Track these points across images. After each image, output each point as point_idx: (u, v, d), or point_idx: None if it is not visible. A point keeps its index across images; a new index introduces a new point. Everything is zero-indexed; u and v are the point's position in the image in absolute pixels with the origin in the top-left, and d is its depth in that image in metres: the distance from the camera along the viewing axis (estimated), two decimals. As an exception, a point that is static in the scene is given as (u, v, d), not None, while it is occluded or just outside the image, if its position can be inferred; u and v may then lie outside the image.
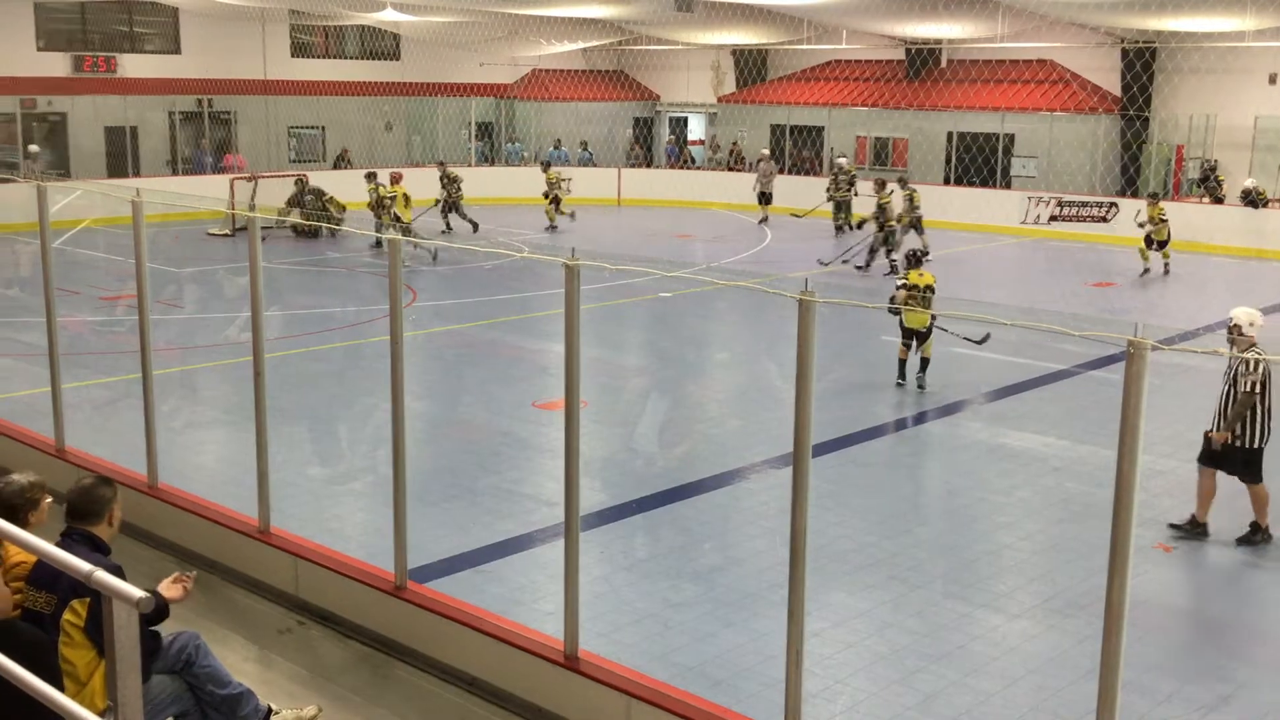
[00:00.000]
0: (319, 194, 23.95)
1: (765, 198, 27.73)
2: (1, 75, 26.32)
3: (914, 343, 12.68)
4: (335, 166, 30.08)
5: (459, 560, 7.97)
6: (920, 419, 12.06)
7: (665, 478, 9.95)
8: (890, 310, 12.68)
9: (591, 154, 33.17)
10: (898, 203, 20.85)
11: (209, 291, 18.63)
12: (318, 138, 31.71)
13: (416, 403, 10.97)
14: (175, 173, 28.30)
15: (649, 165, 34.34)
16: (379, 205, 22.02)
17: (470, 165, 31.31)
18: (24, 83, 26.85)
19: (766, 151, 29.52)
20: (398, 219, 21.02)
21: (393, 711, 5.81)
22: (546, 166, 27.08)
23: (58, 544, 4.36)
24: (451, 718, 5.79)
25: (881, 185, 20.80)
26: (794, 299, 4.54)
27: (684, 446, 11.08)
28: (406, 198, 21.58)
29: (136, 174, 26.92)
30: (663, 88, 36.14)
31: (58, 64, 27.50)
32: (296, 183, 24.50)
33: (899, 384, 12.73)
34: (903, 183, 21.86)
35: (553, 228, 25.35)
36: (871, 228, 20.72)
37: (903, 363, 12.76)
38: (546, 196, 25.75)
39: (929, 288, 12.74)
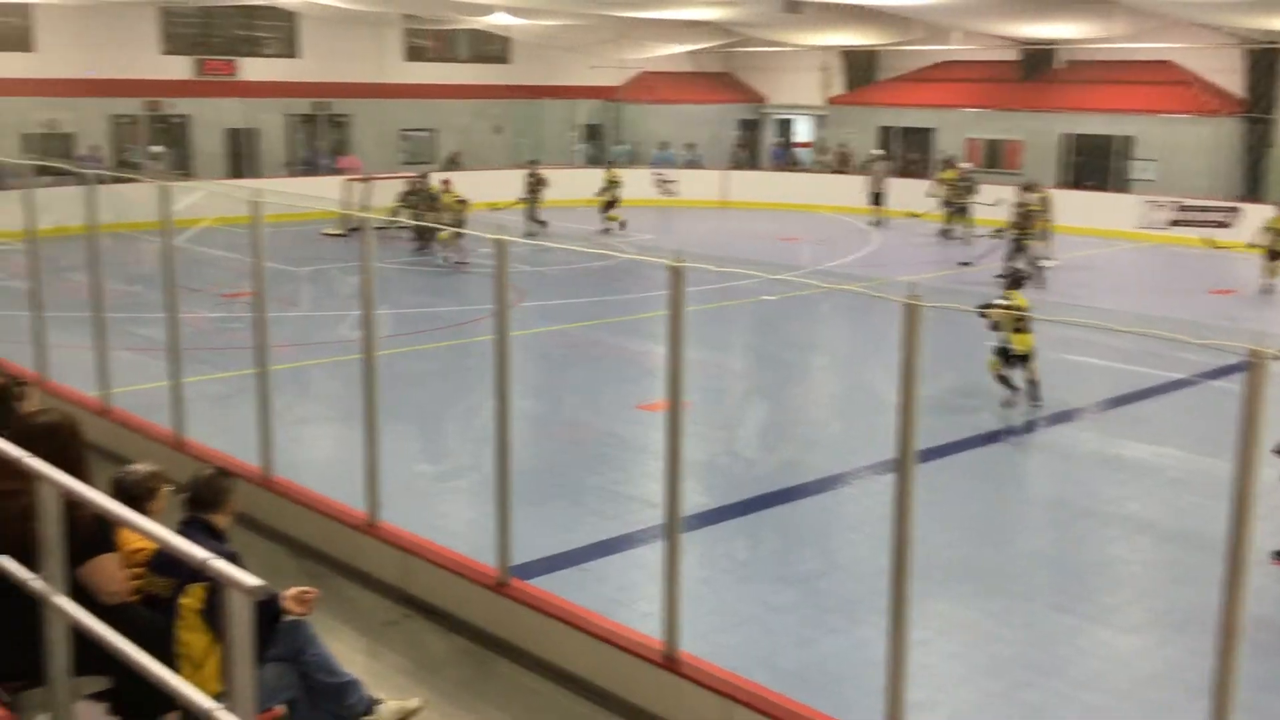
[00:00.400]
0: (425, 195, 24.09)
1: (878, 199, 27.44)
2: (127, 78, 27.28)
3: (1015, 364, 11.96)
4: (446, 169, 30.54)
5: (561, 559, 8.04)
6: (1030, 427, 11.81)
7: (767, 481, 9.92)
8: (980, 312, 11.92)
9: (700, 155, 33.13)
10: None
11: (323, 290, 19.07)
12: (429, 140, 32.25)
13: (521, 402, 11.08)
14: (292, 174, 29.02)
15: (754, 167, 34.19)
16: (430, 200, 22.43)
17: (577, 167, 31.53)
18: (148, 85, 27.79)
19: (880, 153, 29.19)
20: (457, 218, 21.25)
21: (495, 706, 5.89)
22: (610, 165, 26.98)
23: (177, 531, 4.52)
24: (552, 714, 5.85)
25: (1027, 189, 20.12)
26: (899, 303, 4.50)
27: (786, 450, 11.03)
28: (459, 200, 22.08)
29: (255, 175, 27.66)
30: (770, 89, 35.98)
31: (180, 67, 28.39)
32: (410, 182, 24.81)
33: (1010, 400, 12.02)
34: (1031, 188, 21.00)
35: (620, 224, 24.88)
36: (1006, 233, 19.77)
37: (1003, 377, 12.07)
38: (604, 194, 25.24)
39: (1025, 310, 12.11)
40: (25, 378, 7.68)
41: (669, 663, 5.61)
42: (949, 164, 26.58)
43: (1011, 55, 30.29)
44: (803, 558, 8.40)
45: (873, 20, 28.50)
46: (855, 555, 8.32)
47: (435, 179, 23.42)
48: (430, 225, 20.62)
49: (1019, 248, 19.55)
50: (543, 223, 24.26)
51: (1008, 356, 11.97)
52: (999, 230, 20.32)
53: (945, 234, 24.47)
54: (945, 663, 6.75)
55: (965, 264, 20.74)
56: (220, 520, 5.00)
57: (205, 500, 4.98)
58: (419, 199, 23.65)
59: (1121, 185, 27.65)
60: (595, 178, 26.22)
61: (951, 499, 9.47)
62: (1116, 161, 28.02)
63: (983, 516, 9.29)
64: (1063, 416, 12.06)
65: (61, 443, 4.55)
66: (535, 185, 24.51)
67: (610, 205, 25.25)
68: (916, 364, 4.57)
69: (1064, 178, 28.23)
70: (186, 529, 4.79)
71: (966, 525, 8.95)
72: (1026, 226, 19.64)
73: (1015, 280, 12.71)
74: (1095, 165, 28.33)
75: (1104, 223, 25.60)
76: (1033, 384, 11.98)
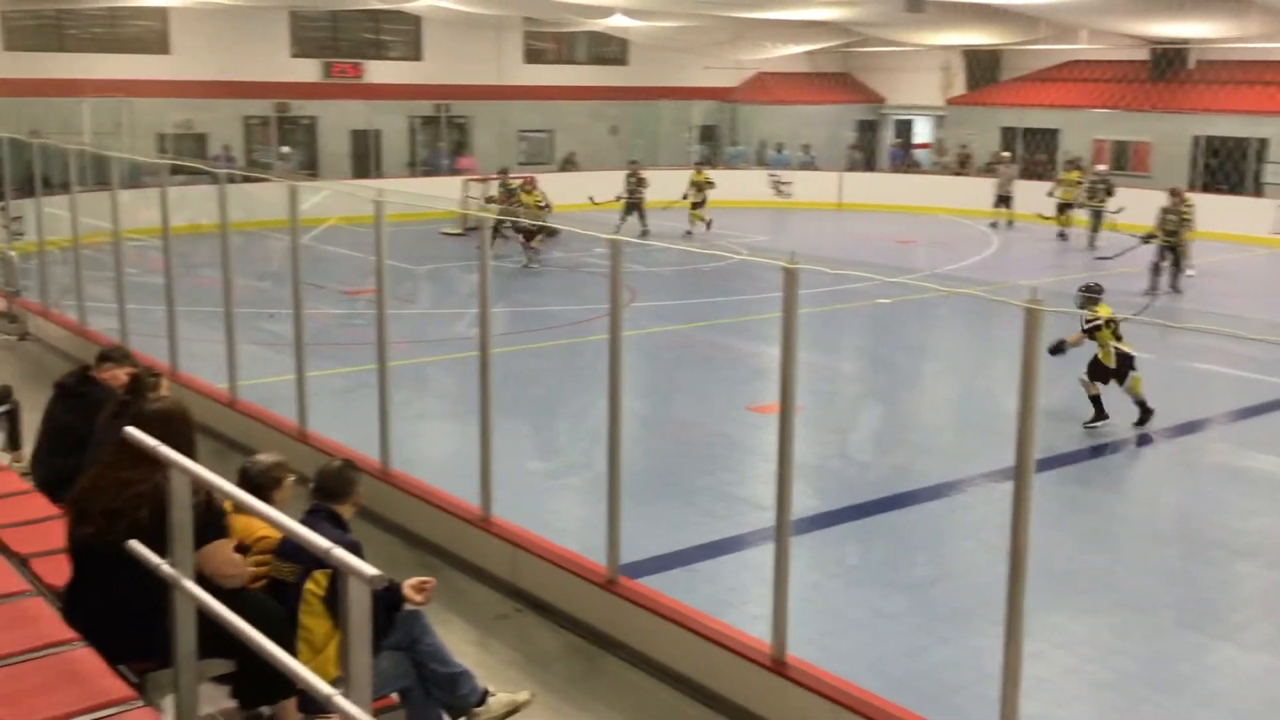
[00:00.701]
0: (510, 192, 23.89)
1: (1004, 201, 26.88)
2: (258, 80, 28.13)
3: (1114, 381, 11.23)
4: (562, 169, 30.86)
5: (670, 558, 8.05)
6: (1152, 439, 11.46)
7: (879, 486, 9.81)
8: (1052, 350, 10.95)
9: (815, 157, 32.86)
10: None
11: (441, 288, 19.41)
12: (546, 141, 32.59)
13: (632, 402, 11.15)
14: (413, 174, 29.59)
15: (870, 169, 33.75)
16: (509, 198, 22.46)
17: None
18: (278, 87, 28.61)
19: (1008, 154, 28.59)
20: (541, 210, 21.24)
21: (603, 703, 5.93)
22: (698, 167, 26.77)
23: (303, 519, 4.66)
24: (659, 713, 5.87)
25: (1176, 195, 19.13)
26: (1020, 307, 4.41)
27: (899, 455, 10.89)
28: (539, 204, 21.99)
29: (378, 175, 28.27)
30: (889, 90, 35.53)
31: (309, 70, 29.16)
32: (501, 185, 24.68)
33: (1145, 419, 11.27)
34: (1179, 193, 19.62)
35: (701, 225, 24.69)
36: (1154, 239, 18.71)
37: (1141, 401, 11.31)
38: (689, 198, 24.92)
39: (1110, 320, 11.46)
40: (158, 369, 7.98)
41: (777, 666, 5.59)
42: (1074, 165, 25.96)
43: (1141, 55, 29.44)
44: (914, 564, 8.29)
45: (997, 19, 27.95)
46: (969, 563, 8.18)
47: (516, 177, 23.57)
48: (524, 223, 20.70)
49: (1169, 254, 18.79)
50: (622, 225, 23.76)
51: (1130, 363, 11.48)
52: (1148, 236, 19.19)
53: (1093, 239, 23.75)
54: (1062, 676, 6.59)
55: (1103, 258, 20.05)
56: (345, 511, 5.15)
57: (332, 490, 5.13)
58: (500, 195, 23.79)
59: (1256, 189, 26.68)
60: (711, 178, 26.08)
61: (1071, 509, 9.26)
62: (1251, 164, 27.06)
63: (1101, 527, 9.05)
64: (1189, 427, 11.69)
65: (175, 429, 4.69)
66: (636, 185, 24.50)
67: (698, 205, 25.11)
68: (1036, 370, 4.48)
69: (1196, 181, 27.35)
70: (311, 517, 4.93)
71: (1084, 536, 8.73)
72: (1179, 233, 18.83)
73: (1092, 292, 11.84)
74: (1229, 168, 27.39)
75: (1237, 228, 24.70)
76: (1097, 400, 11.36)
